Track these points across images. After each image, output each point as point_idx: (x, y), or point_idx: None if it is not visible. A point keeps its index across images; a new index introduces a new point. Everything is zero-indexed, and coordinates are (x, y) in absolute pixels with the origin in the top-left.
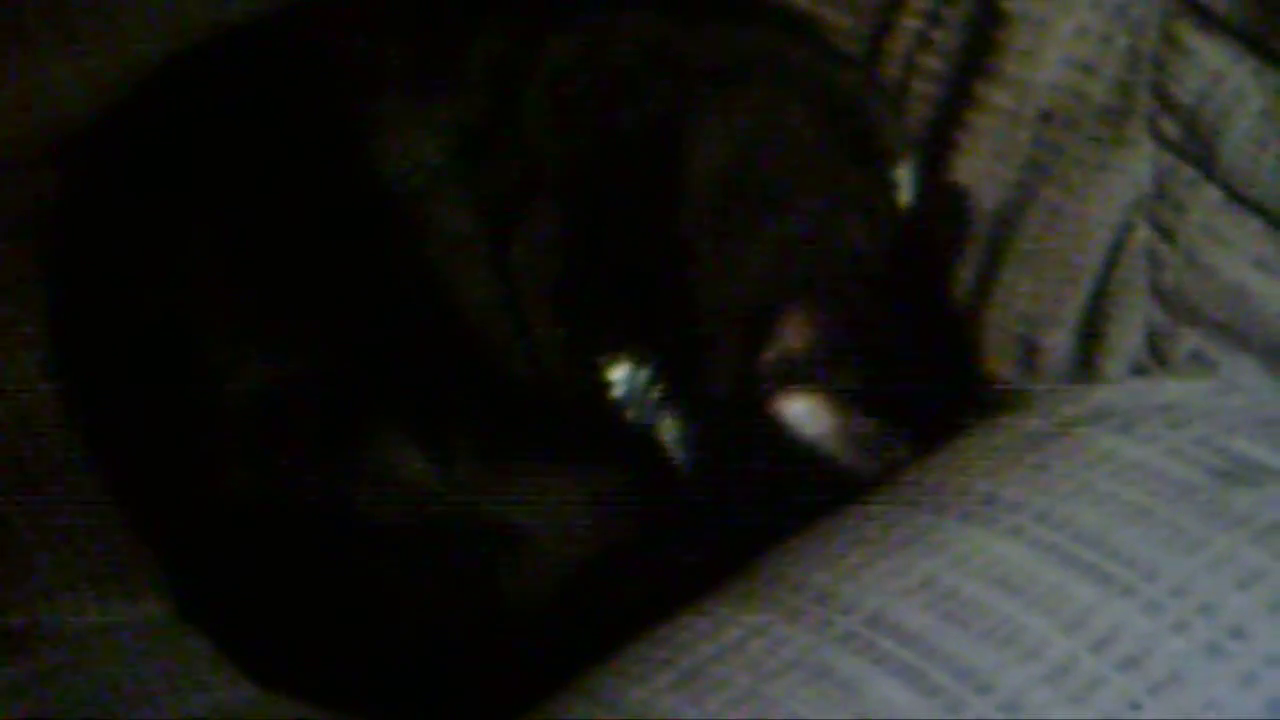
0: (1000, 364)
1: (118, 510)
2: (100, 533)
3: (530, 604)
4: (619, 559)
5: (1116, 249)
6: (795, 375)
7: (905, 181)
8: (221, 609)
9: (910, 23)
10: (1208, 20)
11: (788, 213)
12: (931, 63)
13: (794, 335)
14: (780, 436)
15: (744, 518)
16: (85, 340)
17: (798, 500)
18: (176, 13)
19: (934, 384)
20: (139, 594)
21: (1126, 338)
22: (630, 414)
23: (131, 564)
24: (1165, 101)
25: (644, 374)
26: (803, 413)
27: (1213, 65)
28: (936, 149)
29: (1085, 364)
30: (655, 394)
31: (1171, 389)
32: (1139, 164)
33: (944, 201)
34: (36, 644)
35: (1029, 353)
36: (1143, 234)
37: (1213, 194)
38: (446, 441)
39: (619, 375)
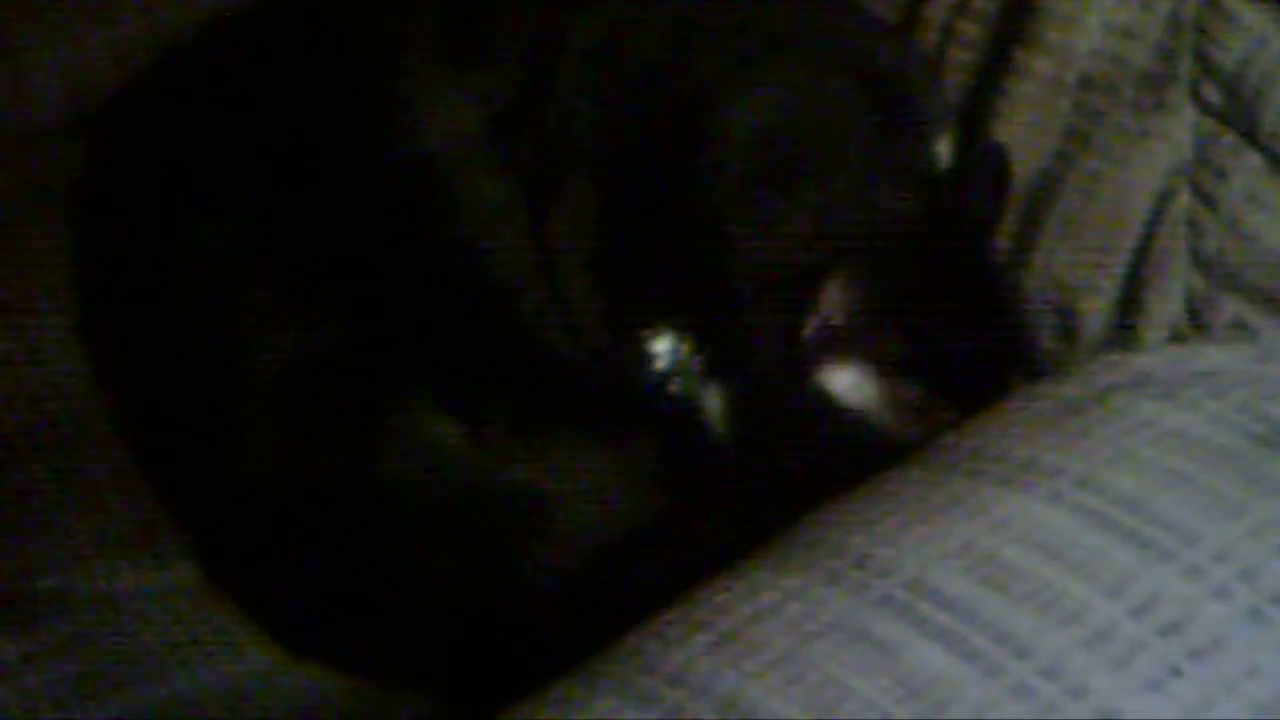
0: (1040, 332)
1: (147, 476)
2: (130, 498)
3: (560, 574)
4: (651, 531)
5: (1157, 216)
6: (838, 343)
7: (945, 151)
8: (250, 575)
9: None
10: None
11: (825, 179)
12: (970, 29)
13: (835, 303)
14: (825, 405)
15: (787, 487)
16: (115, 308)
17: (844, 468)
18: None
19: (979, 346)
20: (168, 559)
21: (1166, 305)
22: (671, 385)
23: (161, 529)
24: (1207, 67)
25: (685, 345)
26: (847, 381)
27: (1256, 30)
28: (976, 116)
29: (1124, 331)
30: (697, 365)
31: (1212, 356)
32: (1180, 130)
33: (984, 161)
34: (67, 608)
35: (1068, 320)
36: (1184, 201)
37: (1255, 160)
38: (478, 410)
39: (660, 346)
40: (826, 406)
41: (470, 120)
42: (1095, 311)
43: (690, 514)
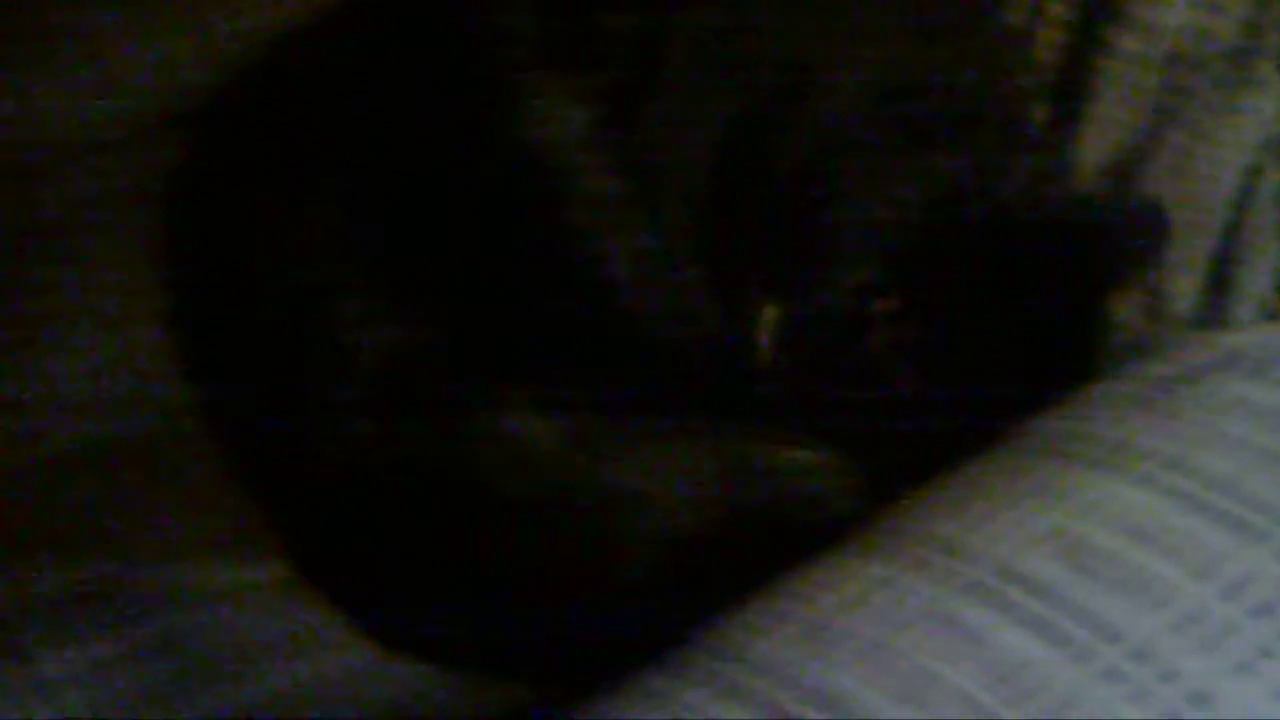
0: (1128, 312)
1: (241, 471)
2: (224, 495)
3: (653, 569)
4: (743, 524)
5: (1246, 192)
6: (911, 328)
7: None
8: (343, 570)
9: None
10: None
11: (939, 150)
12: (1059, 8)
13: (918, 287)
14: (871, 381)
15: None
16: (210, 305)
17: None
18: None
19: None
20: (262, 555)
21: (1257, 282)
22: (770, 360)
23: (255, 526)
24: None
25: (783, 319)
26: (899, 366)
27: None
28: (1066, 97)
29: (1215, 309)
30: (791, 338)
31: None
32: (1269, 105)
33: (1138, 213)
34: (162, 606)
35: (1158, 299)
36: (1273, 176)
37: None
38: (573, 407)
39: (763, 322)
40: (886, 384)
41: (578, 116)
42: (1185, 290)
43: (781, 505)
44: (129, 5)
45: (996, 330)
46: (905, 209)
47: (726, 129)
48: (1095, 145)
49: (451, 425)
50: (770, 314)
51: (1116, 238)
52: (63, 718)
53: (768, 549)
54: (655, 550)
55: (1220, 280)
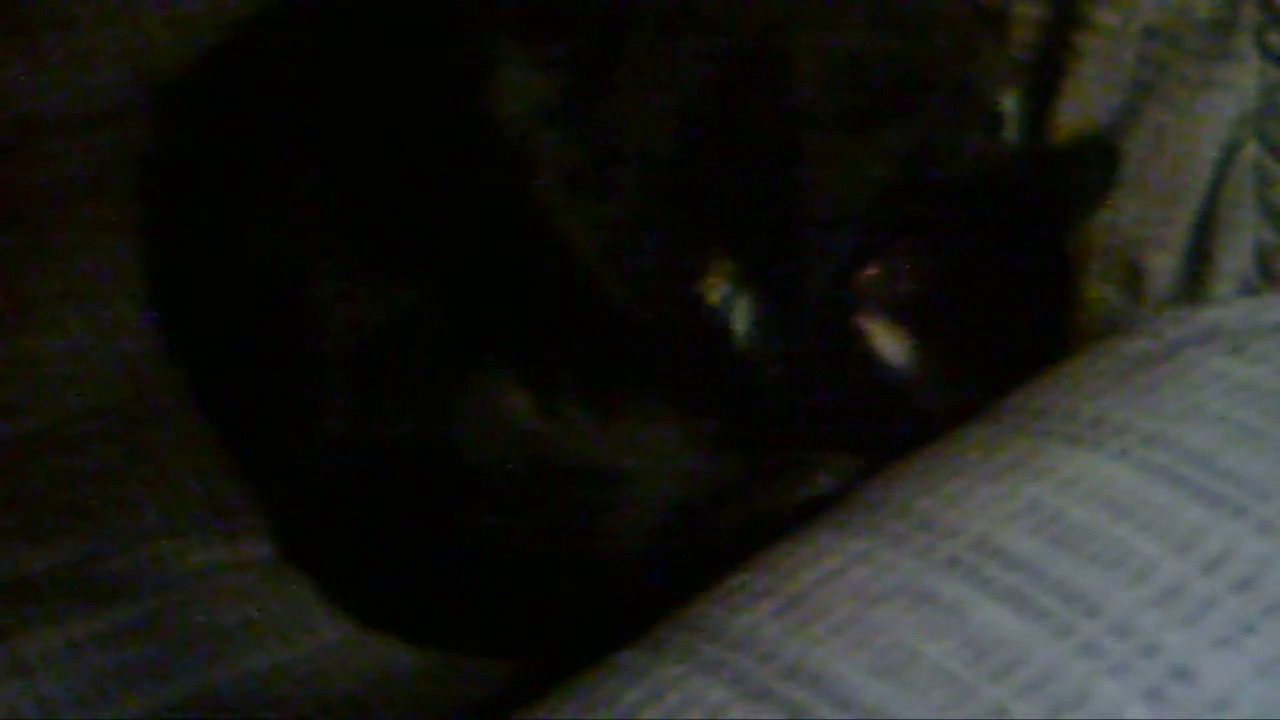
0: (1106, 288)
1: (221, 452)
2: (201, 476)
3: (633, 545)
4: (721, 500)
5: (1224, 167)
6: (888, 299)
7: (1010, 112)
8: (324, 550)
9: None
10: None
11: (909, 120)
12: None
13: (895, 257)
14: (863, 360)
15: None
16: (188, 282)
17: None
18: None
19: (1027, 329)
20: (240, 535)
21: (1235, 257)
22: (726, 331)
23: (233, 506)
24: (1272, 13)
25: (742, 289)
26: (887, 340)
27: None
28: (1043, 72)
29: (1193, 285)
30: (752, 309)
31: None
32: (1246, 79)
33: (1087, 148)
34: (138, 588)
35: (1136, 276)
36: (1251, 151)
37: None
38: (552, 384)
39: (719, 292)
40: (863, 359)
41: (544, 87)
42: (1164, 266)
43: (755, 478)
44: None
45: (978, 293)
46: (871, 181)
47: (692, 100)
48: (1072, 120)
49: (431, 401)
50: (742, 301)
51: (1070, 174)
52: (39, 698)
53: (749, 523)
54: (636, 525)
55: (1199, 255)
